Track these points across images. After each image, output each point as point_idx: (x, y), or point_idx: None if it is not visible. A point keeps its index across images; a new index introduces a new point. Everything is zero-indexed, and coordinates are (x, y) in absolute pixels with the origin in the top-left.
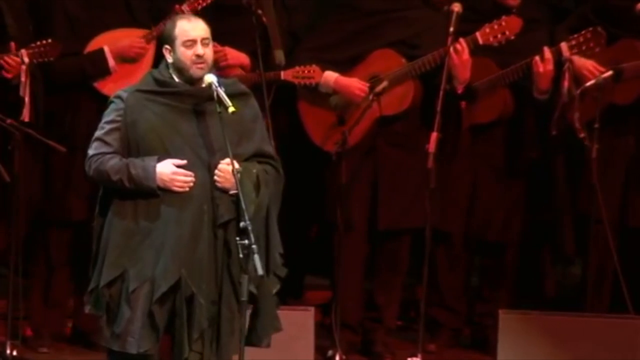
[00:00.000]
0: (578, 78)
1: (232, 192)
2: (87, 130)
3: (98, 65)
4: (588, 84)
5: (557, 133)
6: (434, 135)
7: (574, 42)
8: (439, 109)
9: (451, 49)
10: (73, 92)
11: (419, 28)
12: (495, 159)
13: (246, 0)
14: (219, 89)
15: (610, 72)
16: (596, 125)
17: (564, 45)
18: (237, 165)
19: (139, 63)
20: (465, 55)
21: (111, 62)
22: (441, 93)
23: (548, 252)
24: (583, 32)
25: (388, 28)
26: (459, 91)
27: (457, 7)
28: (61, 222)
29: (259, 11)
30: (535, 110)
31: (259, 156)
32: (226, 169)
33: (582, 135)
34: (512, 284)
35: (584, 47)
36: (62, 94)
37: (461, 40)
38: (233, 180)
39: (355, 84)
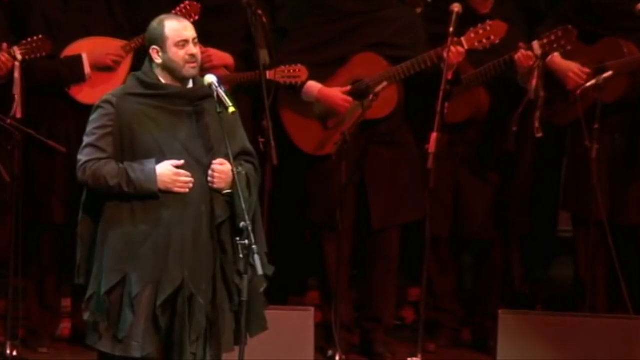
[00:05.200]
0: (562, 80)
1: (225, 191)
2: (66, 137)
3: (74, 71)
4: (588, 84)
5: (517, 129)
6: (434, 136)
7: (545, 41)
8: (438, 109)
9: (454, 50)
10: (50, 98)
11: (398, 27)
12: (473, 158)
13: (246, 0)
14: (219, 89)
15: (610, 72)
16: (596, 126)
17: (535, 44)
18: (228, 167)
19: (115, 72)
20: (463, 57)
21: (87, 69)
22: (441, 93)
23: (516, 248)
24: (554, 30)
25: (368, 29)
26: (449, 77)
27: (457, 7)
28: (45, 225)
29: (259, 11)
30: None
31: (243, 154)
32: (220, 169)
33: (539, 135)
34: (501, 282)
35: (555, 45)
36: (39, 99)
37: (463, 41)
38: (228, 179)
39: (339, 95)
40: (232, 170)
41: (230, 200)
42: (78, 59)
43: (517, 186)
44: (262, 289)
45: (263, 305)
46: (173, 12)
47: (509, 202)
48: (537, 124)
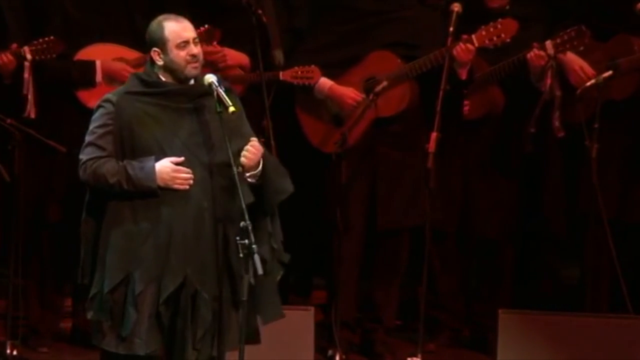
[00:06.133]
0: (567, 74)
1: (251, 172)
2: (69, 138)
3: (85, 76)
4: (588, 83)
5: (535, 131)
6: (434, 135)
7: (558, 40)
8: (438, 108)
9: (461, 47)
10: (55, 100)
11: (416, 28)
12: (486, 157)
13: (246, 0)
14: (219, 88)
15: (610, 72)
16: (596, 125)
17: (548, 43)
18: (261, 147)
19: None
20: (473, 54)
21: (99, 77)
22: (441, 93)
23: (545, 249)
24: (568, 30)
25: (385, 29)
26: (463, 76)
27: (457, 7)
28: (43, 224)
29: (259, 11)
30: (527, 106)
31: None
32: (255, 145)
33: (560, 134)
34: (509, 283)
35: (568, 45)
36: (44, 99)
37: (474, 39)
38: (257, 159)
39: (349, 93)
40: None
41: (260, 180)
42: (91, 64)
43: (547, 187)
44: (279, 277)
45: (279, 293)
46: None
47: (539, 204)
48: (557, 124)
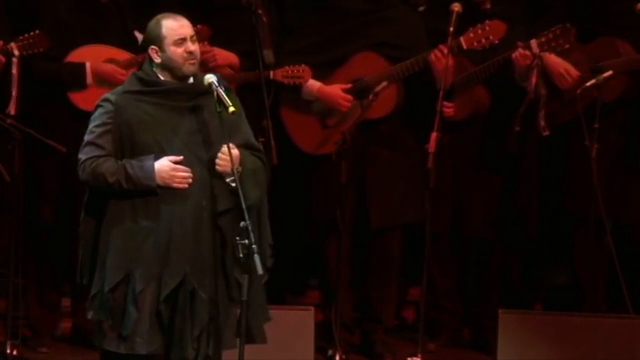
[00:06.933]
0: (552, 77)
1: (229, 179)
2: (62, 139)
3: (75, 78)
4: (588, 83)
5: (520, 129)
6: (434, 135)
7: (543, 39)
8: (438, 109)
9: (432, 56)
10: (47, 101)
11: (400, 28)
12: (475, 158)
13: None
14: (219, 88)
15: (610, 72)
16: (596, 125)
17: (533, 42)
18: (236, 152)
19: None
20: (449, 60)
21: (89, 79)
22: (441, 93)
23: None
24: (552, 28)
25: (369, 29)
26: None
27: (457, 7)
28: (42, 223)
29: (259, 11)
30: (513, 105)
31: (248, 148)
32: (226, 151)
33: (546, 133)
34: (503, 281)
35: (553, 44)
36: (37, 100)
37: (441, 47)
38: (231, 163)
39: (338, 94)
40: (235, 158)
41: (237, 188)
42: (81, 67)
43: (522, 187)
44: (263, 281)
45: (265, 297)
46: None
47: (514, 202)
48: (542, 123)
